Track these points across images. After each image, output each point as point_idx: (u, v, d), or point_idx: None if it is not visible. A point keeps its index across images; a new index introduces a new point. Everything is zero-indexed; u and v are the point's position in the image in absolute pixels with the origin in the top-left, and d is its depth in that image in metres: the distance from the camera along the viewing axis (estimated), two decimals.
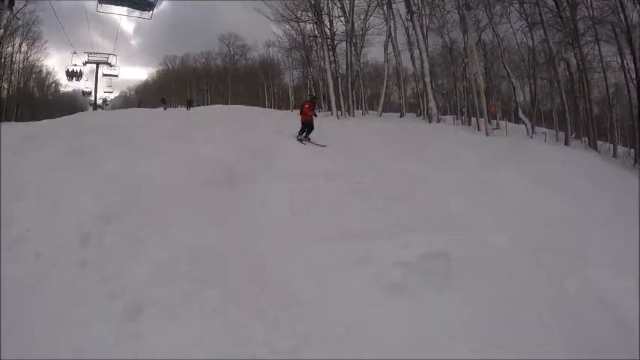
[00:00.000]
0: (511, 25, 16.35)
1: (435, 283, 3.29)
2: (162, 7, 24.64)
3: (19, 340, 2.60)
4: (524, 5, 16.16)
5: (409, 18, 17.09)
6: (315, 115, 9.71)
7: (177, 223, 4.42)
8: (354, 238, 4.01)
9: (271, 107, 20.83)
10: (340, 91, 17.92)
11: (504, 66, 15.91)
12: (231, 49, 21.55)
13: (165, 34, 22.72)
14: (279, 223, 4.57)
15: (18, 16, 21.94)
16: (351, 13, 18.16)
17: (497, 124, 15.91)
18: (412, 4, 17.01)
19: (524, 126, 15.30)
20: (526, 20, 16.24)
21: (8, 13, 19.54)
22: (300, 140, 9.32)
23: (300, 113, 9.57)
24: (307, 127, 9.39)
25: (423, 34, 16.97)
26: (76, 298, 3.10)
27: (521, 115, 15.60)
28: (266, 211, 4.94)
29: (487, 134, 14.41)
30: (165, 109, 18.06)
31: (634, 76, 14.72)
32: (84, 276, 3.41)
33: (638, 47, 14.86)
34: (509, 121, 16.24)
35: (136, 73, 29.43)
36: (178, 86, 23.16)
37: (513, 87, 15.84)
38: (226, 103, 20.86)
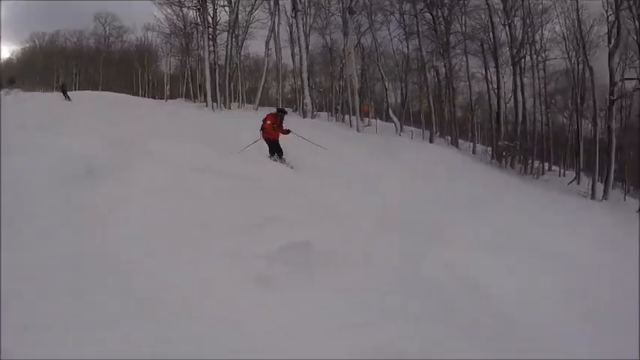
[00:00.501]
0: (390, 32, 17.75)
1: (299, 274, 3.31)
2: None
3: None
4: (404, 16, 17.67)
5: (294, 15, 17.76)
6: (285, 132, 7.31)
7: None
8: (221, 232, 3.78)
9: (145, 96, 19.74)
10: (217, 83, 17.66)
11: (379, 69, 17.18)
12: (106, 29, 20.51)
13: (31, 8, 21.01)
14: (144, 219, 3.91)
15: None
16: (236, 3, 18.21)
17: (369, 121, 16.75)
18: (298, 2, 17.58)
19: (393, 125, 16.48)
20: (404, 29, 17.71)
21: None
22: (276, 160, 7.32)
23: (261, 129, 7.27)
24: (273, 148, 7.27)
25: (305, 33, 17.75)
26: None
27: (391, 114, 16.67)
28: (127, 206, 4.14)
29: (358, 130, 15.26)
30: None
31: (495, 86, 16.94)
32: None
33: (501, 62, 17.15)
34: (381, 119, 17.22)
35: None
36: (45, 67, 21.23)
37: (386, 89, 17.08)
38: (96, 89, 19.41)
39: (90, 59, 20.51)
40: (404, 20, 17.72)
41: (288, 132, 7.30)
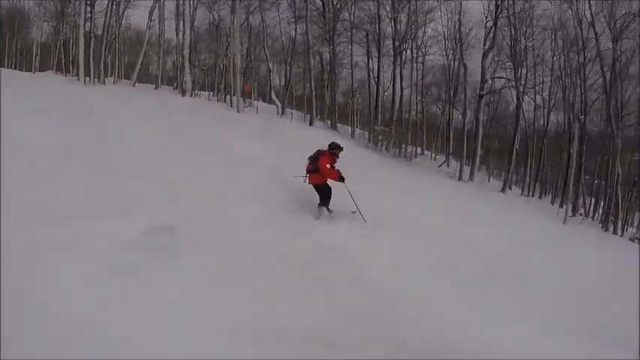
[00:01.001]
0: (279, 14, 18.61)
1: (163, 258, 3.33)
2: None
3: None
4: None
5: None
6: (338, 178, 5.78)
7: None
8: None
9: (12, 67, 18.89)
10: (92, 54, 17.34)
11: (265, 50, 18.06)
12: None
13: None
14: None
15: None
16: None
17: (250, 102, 17.52)
18: None
19: (275, 107, 17.66)
20: (294, 12, 18.59)
21: None
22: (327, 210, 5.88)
23: (309, 172, 5.86)
24: (324, 195, 5.84)
25: (192, 6, 18.03)
26: None
27: (273, 96, 17.72)
28: None
29: (238, 111, 15.68)
30: None
31: (376, 75, 18.77)
32: None
33: (383, 53, 19.02)
34: (264, 101, 18.30)
35: None
36: None
37: (270, 70, 18.11)
38: None
39: None
40: (294, 3, 18.72)
41: (342, 179, 5.78)
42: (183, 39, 17.15)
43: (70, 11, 18.47)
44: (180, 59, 17.46)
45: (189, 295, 2.90)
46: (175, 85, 17.54)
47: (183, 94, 16.71)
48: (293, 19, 18.82)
